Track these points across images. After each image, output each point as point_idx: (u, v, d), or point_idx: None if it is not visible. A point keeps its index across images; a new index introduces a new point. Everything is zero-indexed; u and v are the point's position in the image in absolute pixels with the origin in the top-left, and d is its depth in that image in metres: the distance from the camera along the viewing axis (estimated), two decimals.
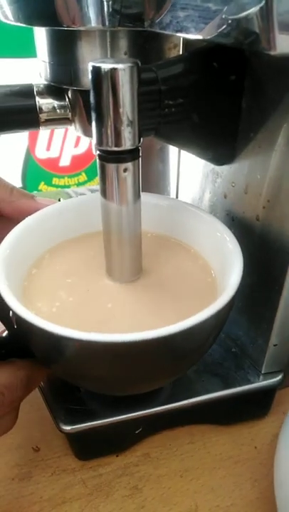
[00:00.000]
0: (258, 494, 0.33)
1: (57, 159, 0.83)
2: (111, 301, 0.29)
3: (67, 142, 0.84)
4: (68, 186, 0.83)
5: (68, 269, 0.32)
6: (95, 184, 0.83)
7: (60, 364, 0.28)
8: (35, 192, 0.79)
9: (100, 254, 0.31)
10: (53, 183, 0.85)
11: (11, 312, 0.25)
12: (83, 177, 0.85)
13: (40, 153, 0.81)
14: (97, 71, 0.23)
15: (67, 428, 0.31)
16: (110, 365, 0.25)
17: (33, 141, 0.81)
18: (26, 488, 0.33)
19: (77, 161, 0.84)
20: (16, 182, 0.79)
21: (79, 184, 0.85)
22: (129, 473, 0.34)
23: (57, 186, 0.83)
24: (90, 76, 0.23)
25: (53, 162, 0.83)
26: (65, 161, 0.84)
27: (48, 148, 0.82)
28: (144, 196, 0.28)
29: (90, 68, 0.23)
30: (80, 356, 0.25)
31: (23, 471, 0.34)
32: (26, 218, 0.32)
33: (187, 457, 0.35)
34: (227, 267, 0.28)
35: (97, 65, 0.23)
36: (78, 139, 0.82)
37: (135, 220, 0.28)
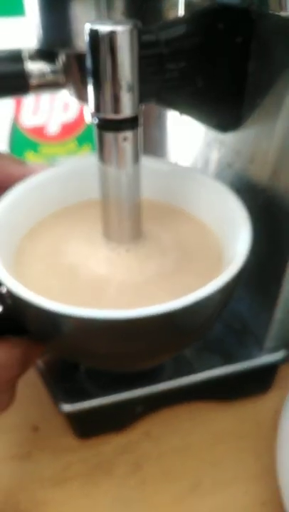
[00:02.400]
0: (261, 468, 0.33)
1: (44, 126, 0.81)
2: (110, 270, 0.27)
3: (56, 107, 0.81)
4: (57, 155, 0.81)
5: (62, 239, 0.30)
6: (87, 153, 0.81)
7: (57, 341, 0.27)
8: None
9: (96, 223, 0.29)
10: (41, 151, 0.82)
11: (4, 288, 0.24)
12: (73, 145, 0.83)
13: (27, 120, 0.78)
14: (94, 34, 0.21)
15: (67, 407, 0.31)
16: (109, 342, 0.24)
17: (18, 108, 0.78)
18: (27, 466, 0.33)
19: (67, 129, 0.81)
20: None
21: (69, 152, 0.83)
22: (129, 451, 0.34)
23: (45, 155, 0.81)
24: (86, 39, 0.22)
25: (40, 130, 0.80)
26: (53, 128, 0.81)
27: (34, 113, 0.79)
28: (146, 161, 0.27)
29: (86, 31, 0.21)
30: (78, 333, 0.24)
31: (23, 450, 0.34)
32: (16, 186, 0.30)
33: (188, 434, 0.35)
34: (234, 236, 0.27)
35: (95, 27, 0.21)
36: (67, 104, 0.79)
37: (135, 186, 0.27)
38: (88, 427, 0.33)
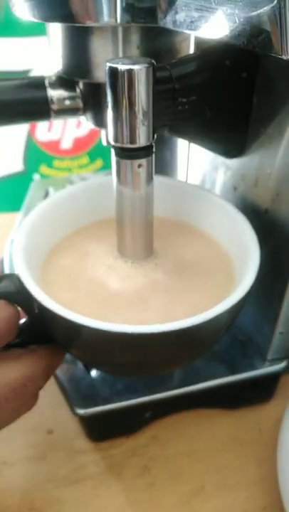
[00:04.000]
0: (262, 474, 0.34)
1: (58, 141, 0.83)
2: (124, 286, 0.30)
3: (69, 124, 0.83)
4: (70, 169, 0.83)
5: (82, 256, 0.32)
6: (98, 167, 0.82)
7: (79, 349, 0.29)
8: (37, 175, 0.80)
9: (112, 240, 0.31)
10: (55, 165, 0.84)
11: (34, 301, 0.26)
12: (85, 159, 0.85)
13: (41, 135, 0.80)
14: (114, 71, 0.23)
15: (81, 411, 0.33)
16: (126, 353, 0.26)
17: (33, 124, 0.80)
18: (42, 467, 0.35)
19: (79, 144, 0.83)
20: (17, 165, 0.79)
21: (81, 167, 0.85)
22: (139, 454, 0.35)
23: (58, 169, 0.83)
24: (106, 75, 0.24)
25: (55, 144, 0.82)
26: (66, 144, 0.83)
27: (49, 130, 0.81)
28: (160, 179, 0.29)
29: (106, 68, 0.24)
30: (98, 343, 0.26)
31: (38, 451, 0.35)
32: (39, 205, 0.33)
33: (194, 439, 0.36)
34: (243, 256, 0.29)
35: (114, 65, 0.23)
36: (80, 120, 0.80)
37: (148, 205, 0.29)
38: (100, 430, 0.35)
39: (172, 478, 0.34)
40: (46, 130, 0.81)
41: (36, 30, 0.62)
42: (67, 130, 0.83)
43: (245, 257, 0.28)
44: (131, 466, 0.35)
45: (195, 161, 0.39)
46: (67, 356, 0.35)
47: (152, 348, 0.26)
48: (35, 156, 0.81)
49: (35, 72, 0.72)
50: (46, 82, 0.33)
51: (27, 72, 0.72)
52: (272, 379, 0.36)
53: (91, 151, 0.85)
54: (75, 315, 0.24)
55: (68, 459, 0.35)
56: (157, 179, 0.29)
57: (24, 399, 0.28)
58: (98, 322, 0.24)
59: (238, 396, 0.37)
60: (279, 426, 0.33)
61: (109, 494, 0.33)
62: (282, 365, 0.35)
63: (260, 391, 0.37)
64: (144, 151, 0.26)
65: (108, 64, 0.24)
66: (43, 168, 0.83)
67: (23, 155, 0.82)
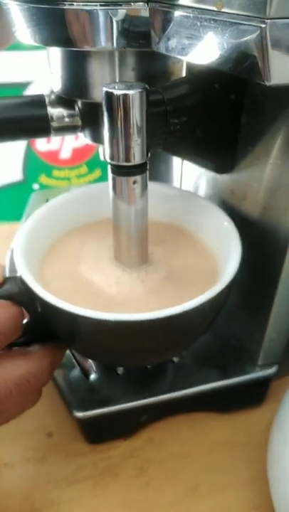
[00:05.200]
0: (253, 475, 0.35)
1: (57, 151, 0.84)
2: (118, 284, 0.32)
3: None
4: (69, 178, 0.85)
5: (78, 255, 0.34)
6: (96, 176, 0.84)
7: (81, 341, 0.31)
8: (37, 185, 0.81)
9: (109, 240, 0.33)
10: (54, 175, 0.86)
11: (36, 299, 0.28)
12: (84, 169, 0.86)
13: (41, 145, 0.82)
14: (109, 95, 0.25)
15: (80, 414, 0.34)
16: (123, 341, 0.28)
17: None
18: (41, 469, 0.36)
19: (78, 154, 0.85)
20: (17, 174, 0.81)
21: (80, 176, 0.87)
22: (135, 456, 0.37)
23: (57, 178, 0.85)
24: (103, 99, 0.26)
25: (54, 154, 0.84)
26: (65, 154, 0.85)
27: (48, 141, 0.83)
28: (153, 186, 0.31)
29: (103, 93, 0.25)
30: (97, 333, 0.28)
31: (38, 454, 0.37)
32: (38, 210, 0.35)
33: (188, 441, 0.38)
34: (228, 256, 0.31)
35: (110, 90, 0.25)
36: None
37: (143, 217, 0.31)
38: (98, 433, 0.36)
39: (167, 478, 0.35)
40: (45, 141, 0.83)
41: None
42: (65, 141, 0.84)
43: (228, 257, 0.30)
44: (128, 467, 0.36)
45: (188, 174, 0.41)
46: (67, 361, 0.36)
47: (147, 334, 0.28)
48: (35, 165, 0.83)
49: (35, 84, 0.74)
50: (46, 101, 0.35)
51: (28, 84, 0.74)
52: (263, 384, 0.38)
53: (89, 161, 0.87)
54: (76, 308, 0.26)
55: (67, 461, 0.36)
56: (152, 185, 0.31)
57: (28, 394, 0.29)
58: (97, 312, 0.26)
59: (231, 400, 0.38)
60: (270, 429, 0.34)
61: (107, 494, 0.34)
62: (273, 370, 0.37)
63: (251, 395, 0.39)
64: (139, 169, 0.28)
65: (104, 88, 0.26)
66: (43, 178, 0.84)
67: (23, 165, 0.83)
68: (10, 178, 0.80)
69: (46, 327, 0.30)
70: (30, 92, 0.73)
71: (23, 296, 0.29)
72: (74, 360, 0.38)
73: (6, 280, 0.30)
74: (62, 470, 0.36)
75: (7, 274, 0.47)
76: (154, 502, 0.34)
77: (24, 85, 0.74)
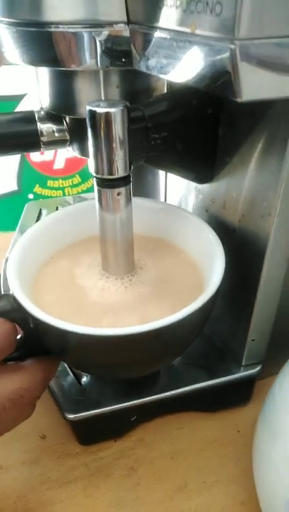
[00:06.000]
0: (240, 471, 0.37)
1: (51, 162, 0.86)
2: (107, 297, 0.33)
3: None
4: (63, 188, 0.86)
5: (69, 270, 0.36)
6: (89, 186, 0.85)
7: (72, 356, 0.32)
8: (32, 195, 0.83)
9: (97, 255, 0.35)
10: (48, 185, 0.87)
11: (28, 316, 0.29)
12: (77, 179, 0.88)
13: (35, 156, 0.84)
14: (93, 114, 0.27)
15: (71, 416, 0.35)
16: (112, 354, 0.30)
17: None
18: (35, 470, 0.37)
19: (71, 164, 0.86)
20: (12, 185, 0.82)
21: (73, 186, 0.88)
22: (126, 456, 0.38)
23: (51, 188, 0.86)
24: (87, 117, 0.27)
25: (48, 165, 0.85)
26: (59, 164, 0.86)
27: (42, 152, 0.85)
28: (139, 201, 0.32)
29: (86, 111, 0.27)
30: (87, 347, 0.29)
31: (32, 455, 0.38)
32: (30, 228, 0.36)
33: (177, 441, 0.39)
34: (212, 267, 0.32)
35: (93, 108, 0.27)
36: None
37: (128, 227, 0.33)
38: (90, 434, 0.38)
39: (157, 477, 0.37)
40: (39, 152, 0.84)
41: None
42: (59, 152, 0.86)
43: (212, 268, 0.32)
44: (118, 467, 0.37)
45: (172, 185, 0.42)
46: (59, 366, 0.38)
47: (134, 347, 0.29)
48: (30, 176, 0.84)
49: (29, 97, 0.75)
50: (36, 117, 0.37)
51: (22, 96, 0.75)
52: (248, 383, 0.39)
53: (82, 171, 0.88)
54: (66, 323, 0.27)
55: (60, 462, 0.38)
56: (138, 200, 0.32)
57: (22, 409, 0.30)
58: (86, 328, 0.27)
59: (218, 400, 0.39)
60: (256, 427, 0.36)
61: (99, 494, 0.36)
62: (256, 369, 0.38)
63: (238, 395, 0.40)
64: (122, 181, 0.29)
65: (88, 107, 0.27)
66: (37, 188, 0.86)
67: (18, 175, 0.84)
68: (5, 189, 0.82)
69: (39, 342, 0.31)
70: (24, 104, 0.75)
71: (16, 313, 0.30)
72: (66, 364, 0.39)
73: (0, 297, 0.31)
74: (55, 471, 0.37)
75: (1, 284, 0.48)
76: (144, 500, 0.35)
77: (19, 98, 0.76)
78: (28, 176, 0.85)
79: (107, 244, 0.32)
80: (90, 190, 0.85)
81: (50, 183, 0.88)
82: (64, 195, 0.85)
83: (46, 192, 0.87)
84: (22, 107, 0.74)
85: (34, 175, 0.86)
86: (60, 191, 0.85)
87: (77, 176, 0.89)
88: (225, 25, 0.22)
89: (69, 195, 0.83)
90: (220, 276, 0.30)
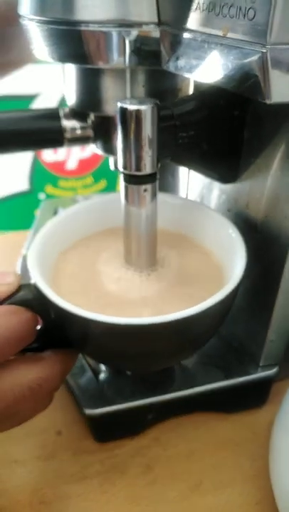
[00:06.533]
0: (256, 472, 0.37)
1: (63, 162, 0.86)
2: (129, 289, 0.33)
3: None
4: (75, 189, 0.86)
5: (89, 261, 0.36)
6: (102, 187, 0.86)
7: (92, 346, 0.32)
8: (43, 195, 0.83)
9: (118, 246, 0.35)
10: (60, 185, 0.88)
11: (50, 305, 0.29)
12: (90, 179, 0.88)
13: (47, 156, 0.84)
14: (124, 111, 0.27)
15: (90, 411, 0.36)
16: (132, 344, 0.30)
17: None
18: (51, 465, 0.37)
19: (84, 165, 0.87)
20: (24, 184, 0.83)
21: (85, 186, 0.88)
22: (141, 454, 0.38)
23: (63, 189, 0.86)
24: (117, 114, 0.28)
25: (60, 165, 0.86)
26: (71, 164, 0.87)
27: (54, 151, 0.85)
28: (163, 196, 0.32)
29: (117, 108, 0.28)
30: (108, 337, 0.29)
31: (48, 451, 0.38)
32: (49, 220, 0.37)
33: (192, 441, 0.39)
34: (232, 262, 0.32)
35: (124, 105, 0.27)
36: None
37: (152, 222, 0.33)
38: (106, 431, 0.38)
39: (172, 476, 0.37)
40: (52, 151, 0.84)
41: None
42: (72, 152, 0.86)
43: (233, 263, 0.32)
44: (134, 465, 0.37)
45: (194, 184, 0.43)
46: (77, 362, 0.38)
47: (156, 337, 0.29)
48: (41, 176, 0.84)
49: (43, 97, 0.76)
50: (61, 114, 0.37)
51: (36, 96, 0.76)
52: (265, 384, 0.39)
53: (95, 172, 0.88)
54: (88, 312, 0.28)
55: (76, 458, 0.38)
56: (161, 196, 0.33)
57: (40, 398, 0.30)
58: (107, 316, 0.27)
59: (234, 400, 0.40)
60: (271, 428, 0.36)
61: (114, 490, 0.36)
62: (274, 370, 0.38)
63: (254, 396, 0.40)
64: (149, 178, 0.30)
65: (119, 104, 0.28)
66: (49, 188, 0.86)
67: (30, 175, 0.85)
68: (17, 188, 0.82)
69: (59, 333, 0.31)
70: (37, 104, 0.75)
71: (37, 303, 0.30)
72: (84, 361, 0.39)
73: (21, 287, 0.31)
74: (71, 467, 0.37)
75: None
76: (159, 498, 0.35)
77: (32, 97, 0.76)
78: (39, 176, 0.86)
79: (131, 238, 0.33)
80: (103, 191, 0.85)
81: (62, 183, 0.88)
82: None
83: (58, 192, 0.87)
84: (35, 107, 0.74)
85: (46, 175, 0.86)
86: (72, 192, 0.85)
87: (90, 176, 0.89)
88: (257, 30, 0.23)
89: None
90: (241, 270, 0.31)
